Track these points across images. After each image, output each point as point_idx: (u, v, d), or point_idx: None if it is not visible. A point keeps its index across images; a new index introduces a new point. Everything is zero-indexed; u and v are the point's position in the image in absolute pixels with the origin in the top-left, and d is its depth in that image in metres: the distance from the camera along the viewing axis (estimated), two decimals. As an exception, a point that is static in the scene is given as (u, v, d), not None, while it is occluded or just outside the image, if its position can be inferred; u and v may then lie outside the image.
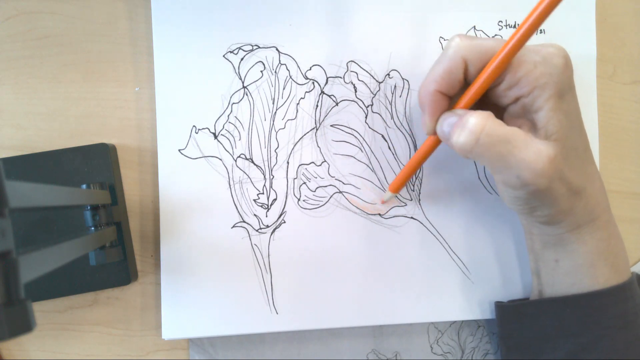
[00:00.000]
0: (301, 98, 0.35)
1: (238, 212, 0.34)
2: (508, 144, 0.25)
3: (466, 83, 0.28)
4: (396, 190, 0.33)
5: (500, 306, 0.34)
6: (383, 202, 0.35)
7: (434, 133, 0.29)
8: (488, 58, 0.26)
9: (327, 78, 0.35)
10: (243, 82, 0.34)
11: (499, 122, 0.26)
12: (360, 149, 0.35)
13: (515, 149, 0.25)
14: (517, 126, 0.27)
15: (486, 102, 0.29)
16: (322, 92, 0.35)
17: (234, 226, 0.34)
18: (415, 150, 0.35)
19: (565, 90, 0.26)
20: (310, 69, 0.35)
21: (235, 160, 0.34)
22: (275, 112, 0.35)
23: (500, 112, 0.29)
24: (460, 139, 0.26)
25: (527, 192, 0.27)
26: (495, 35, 0.36)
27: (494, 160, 0.26)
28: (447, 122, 0.28)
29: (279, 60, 0.35)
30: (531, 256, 0.33)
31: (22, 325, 0.18)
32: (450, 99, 0.29)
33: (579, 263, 0.30)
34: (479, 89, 0.27)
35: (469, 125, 0.26)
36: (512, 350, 0.34)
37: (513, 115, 0.28)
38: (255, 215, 0.34)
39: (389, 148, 0.35)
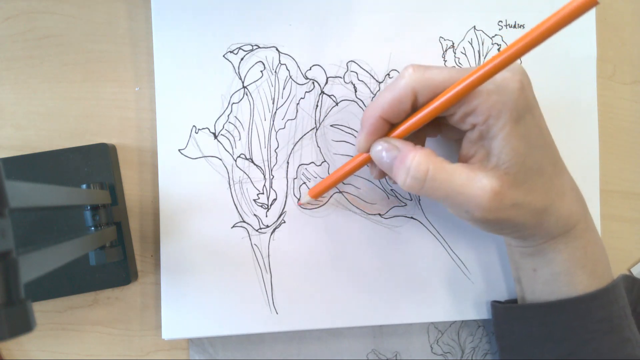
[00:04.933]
0: (301, 98, 0.35)
1: (238, 212, 0.34)
2: (452, 183, 0.26)
3: (413, 111, 0.28)
4: (315, 195, 0.33)
5: (495, 306, 0.35)
6: (300, 204, 0.34)
7: (366, 151, 0.29)
8: (438, 91, 0.26)
9: (327, 78, 0.35)
10: (243, 82, 0.34)
11: (440, 160, 0.27)
12: (360, 149, 0.35)
13: (460, 188, 0.26)
14: (475, 151, 0.28)
15: (444, 125, 0.30)
16: (322, 92, 0.35)
17: (234, 226, 0.34)
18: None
19: (521, 114, 0.26)
20: (310, 69, 0.35)
21: (235, 160, 0.34)
22: (275, 112, 0.35)
23: (458, 136, 0.30)
24: (407, 183, 0.27)
25: (481, 223, 0.28)
26: (496, 35, 0.36)
27: (441, 199, 0.27)
28: (386, 152, 0.28)
29: (279, 60, 0.35)
30: (511, 264, 0.34)
31: (22, 325, 0.18)
32: (391, 126, 0.29)
33: (556, 272, 0.30)
34: (419, 121, 0.27)
35: (412, 171, 0.27)
36: (505, 351, 0.34)
37: (470, 140, 0.28)
38: (255, 215, 0.34)
39: (389, 148, 0.35)
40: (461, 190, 0.26)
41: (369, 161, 0.30)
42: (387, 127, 0.29)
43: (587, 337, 0.29)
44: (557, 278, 0.30)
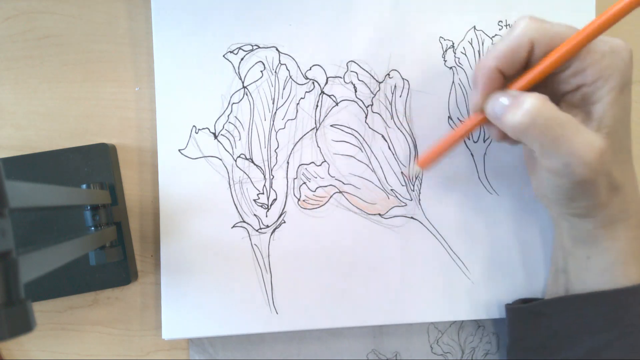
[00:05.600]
0: (301, 98, 0.35)
1: (238, 212, 0.34)
2: (562, 129, 0.25)
3: (526, 65, 0.28)
4: (425, 165, 0.31)
5: (512, 309, 0.34)
6: (406, 176, 0.34)
7: (481, 110, 0.29)
8: (556, 43, 0.26)
9: (327, 78, 0.35)
10: (243, 82, 0.34)
11: (555, 106, 0.26)
12: (360, 149, 0.35)
13: (568, 136, 0.25)
14: (574, 114, 0.27)
15: (542, 88, 0.29)
16: (322, 92, 0.35)
17: (234, 226, 0.34)
18: (414, 150, 0.35)
19: (626, 84, 0.27)
20: (310, 69, 0.35)
21: (235, 160, 0.34)
22: (275, 112, 0.35)
23: (555, 99, 0.28)
24: (516, 119, 0.26)
25: (571, 181, 0.27)
26: (495, 35, 0.36)
27: (546, 143, 0.26)
28: (499, 101, 0.27)
29: (279, 60, 0.35)
30: (559, 253, 0.33)
31: (22, 325, 0.18)
32: (505, 80, 0.28)
33: (612, 260, 0.30)
34: (543, 72, 0.27)
35: (526, 105, 0.25)
36: (526, 352, 0.33)
37: (569, 103, 0.28)
38: (255, 215, 0.34)
39: (389, 148, 0.35)
40: (568, 140, 0.25)
41: (484, 122, 0.29)
42: (502, 81, 0.28)
43: (624, 331, 0.29)
44: (612, 267, 0.30)
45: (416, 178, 0.34)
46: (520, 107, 0.26)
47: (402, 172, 0.34)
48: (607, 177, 0.27)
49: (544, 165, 0.27)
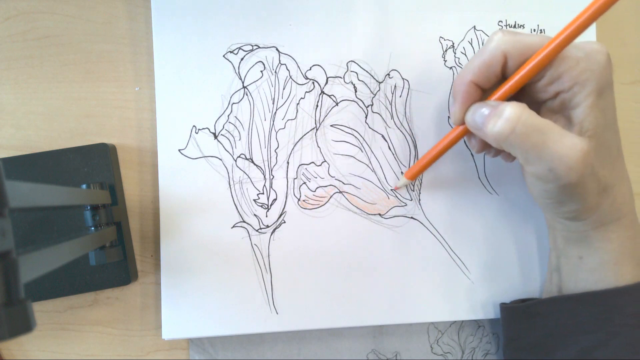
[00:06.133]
0: (301, 98, 0.35)
1: (238, 212, 0.34)
2: (543, 134, 0.26)
3: (502, 78, 0.28)
4: (412, 177, 0.33)
5: (506, 308, 0.34)
6: (396, 189, 0.35)
7: (462, 123, 0.29)
8: (529, 54, 0.27)
9: (327, 78, 0.35)
10: (243, 82, 0.34)
11: (534, 113, 0.26)
12: (360, 149, 0.35)
13: (550, 141, 0.26)
14: (554, 120, 0.28)
15: (521, 97, 0.29)
16: (322, 92, 0.35)
17: (234, 226, 0.34)
18: (415, 150, 0.35)
19: (604, 88, 0.27)
20: (310, 69, 0.35)
21: (235, 160, 0.34)
22: (275, 112, 0.35)
23: (535, 107, 0.29)
24: (496, 128, 0.26)
25: (558, 185, 0.27)
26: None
27: (528, 150, 0.26)
28: (479, 112, 0.28)
29: (279, 60, 0.35)
30: (553, 252, 0.33)
31: (22, 325, 0.18)
32: (483, 92, 0.29)
33: (604, 260, 0.30)
34: (517, 83, 0.27)
35: (505, 114, 0.26)
36: (520, 351, 0.34)
37: (549, 110, 0.28)
38: (255, 215, 0.34)
39: (389, 148, 0.35)
40: (551, 144, 0.25)
41: (466, 134, 0.30)
42: (479, 93, 0.29)
43: (615, 330, 0.29)
44: (604, 266, 0.30)
45: (407, 186, 0.35)
46: (500, 116, 0.26)
47: (392, 188, 0.35)
48: (593, 179, 0.27)
49: (529, 172, 0.28)
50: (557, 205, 0.29)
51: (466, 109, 0.29)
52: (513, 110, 0.26)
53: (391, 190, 0.35)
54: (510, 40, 0.27)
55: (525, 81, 0.27)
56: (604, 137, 0.27)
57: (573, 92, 0.27)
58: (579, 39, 0.27)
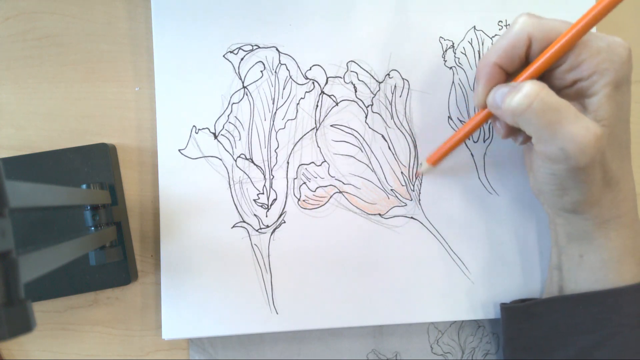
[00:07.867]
0: (301, 98, 0.35)
1: (238, 212, 0.34)
2: (559, 113, 0.26)
3: (526, 62, 0.29)
4: (434, 162, 0.33)
5: (506, 308, 0.34)
6: (418, 174, 0.35)
7: (484, 106, 0.30)
8: (553, 38, 0.27)
9: (327, 78, 0.35)
10: (243, 82, 0.34)
11: (552, 92, 0.26)
12: (360, 149, 0.35)
13: (565, 120, 0.26)
14: None
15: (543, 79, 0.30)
16: (322, 92, 0.35)
17: (234, 226, 0.34)
18: (415, 150, 0.35)
19: (622, 82, 0.27)
20: (310, 69, 0.35)
21: (235, 160, 0.34)
22: (275, 112, 0.35)
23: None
24: (513, 102, 0.26)
25: (566, 168, 0.27)
26: (495, 35, 0.36)
27: (542, 127, 0.26)
28: (500, 91, 0.28)
29: (279, 60, 0.35)
30: (554, 250, 0.33)
31: (22, 325, 0.18)
32: (507, 76, 0.29)
33: (605, 258, 0.30)
34: (541, 66, 0.27)
35: (524, 90, 0.26)
36: (519, 351, 0.33)
37: (568, 97, 0.28)
38: (255, 215, 0.34)
39: (389, 148, 0.35)
40: (565, 124, 0.26)
41: (489, 117, 0.30)
42: (503, 77, 0.29)
43: (614, 331, 0.29)
44: (605, 265, 0.30)
45: (418, 178, 0.35)
46: (519, 92, 0.26)
47: (415, 173, 0.35)
48: (601, 169, 0.28)
49: (540, 152, 0.28)
50: (560, 193, 0.29)
51: (488, 92, 0.29)
52: (532, 87, 0.26)
53: (413, 176, 0.35)
54: (535, 22, 0.27)
55: (550, 63, 0.27)
56: (616, 129, 0.28)
57: (591, 81, 0.27)
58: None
